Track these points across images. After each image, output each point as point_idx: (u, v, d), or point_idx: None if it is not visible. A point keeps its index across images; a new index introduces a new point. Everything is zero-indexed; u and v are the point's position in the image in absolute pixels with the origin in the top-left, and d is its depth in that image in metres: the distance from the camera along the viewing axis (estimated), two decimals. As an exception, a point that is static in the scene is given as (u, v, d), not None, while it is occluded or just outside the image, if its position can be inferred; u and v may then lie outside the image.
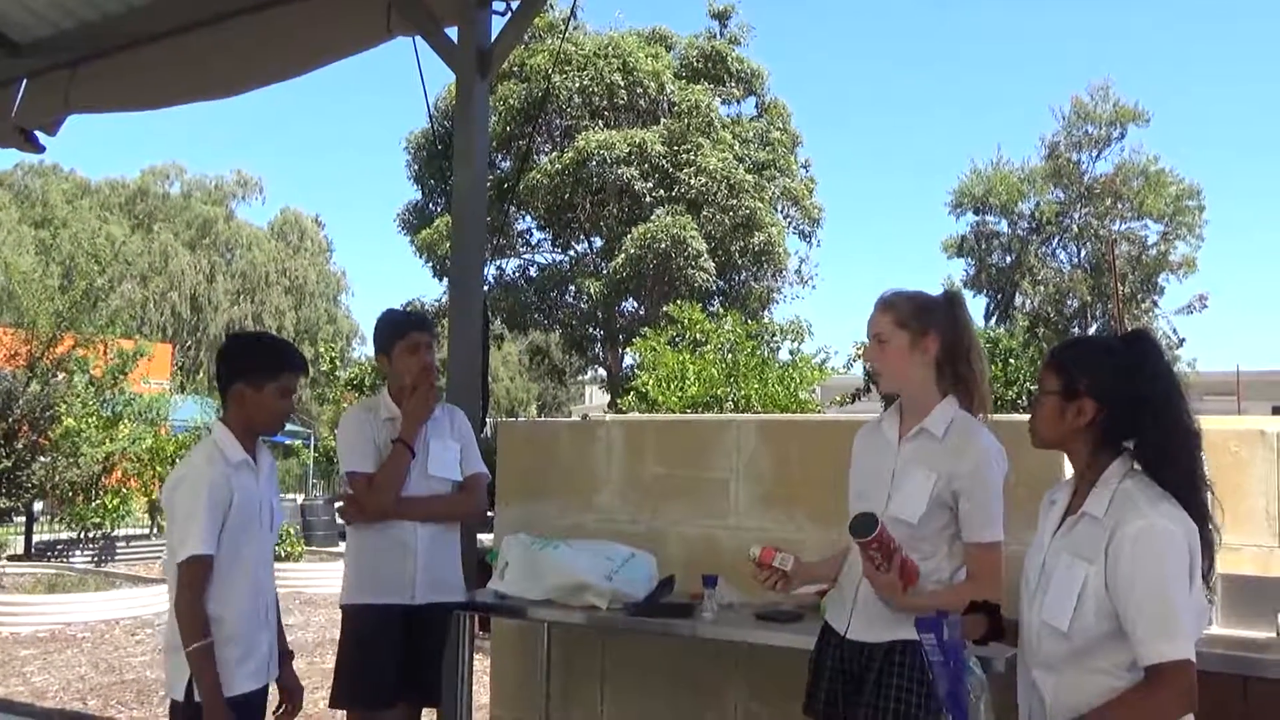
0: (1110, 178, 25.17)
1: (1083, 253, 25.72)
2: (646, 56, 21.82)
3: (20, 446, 13.77)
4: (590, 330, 23.18)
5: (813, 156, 25.28)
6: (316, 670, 6.84)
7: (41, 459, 14.13)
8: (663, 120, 21.83)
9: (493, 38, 4.65)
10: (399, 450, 3.53)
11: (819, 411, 13.19)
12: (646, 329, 15.50)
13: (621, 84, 21.41)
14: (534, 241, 24.23)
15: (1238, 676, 2.91)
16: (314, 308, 42.09)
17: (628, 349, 20.98)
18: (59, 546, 14.70)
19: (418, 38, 4.67)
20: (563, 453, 4.61)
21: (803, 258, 24.28)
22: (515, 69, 21.09)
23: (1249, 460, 3.45)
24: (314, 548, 15.12)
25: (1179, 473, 2.04)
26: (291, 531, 14.01)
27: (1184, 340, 24.39)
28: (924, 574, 2.48)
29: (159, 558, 13.93)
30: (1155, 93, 53.51)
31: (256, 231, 41.79)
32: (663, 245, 20.18)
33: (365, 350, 31.92)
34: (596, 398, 31.52)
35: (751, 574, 2.75)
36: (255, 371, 2.95)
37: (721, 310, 17.79)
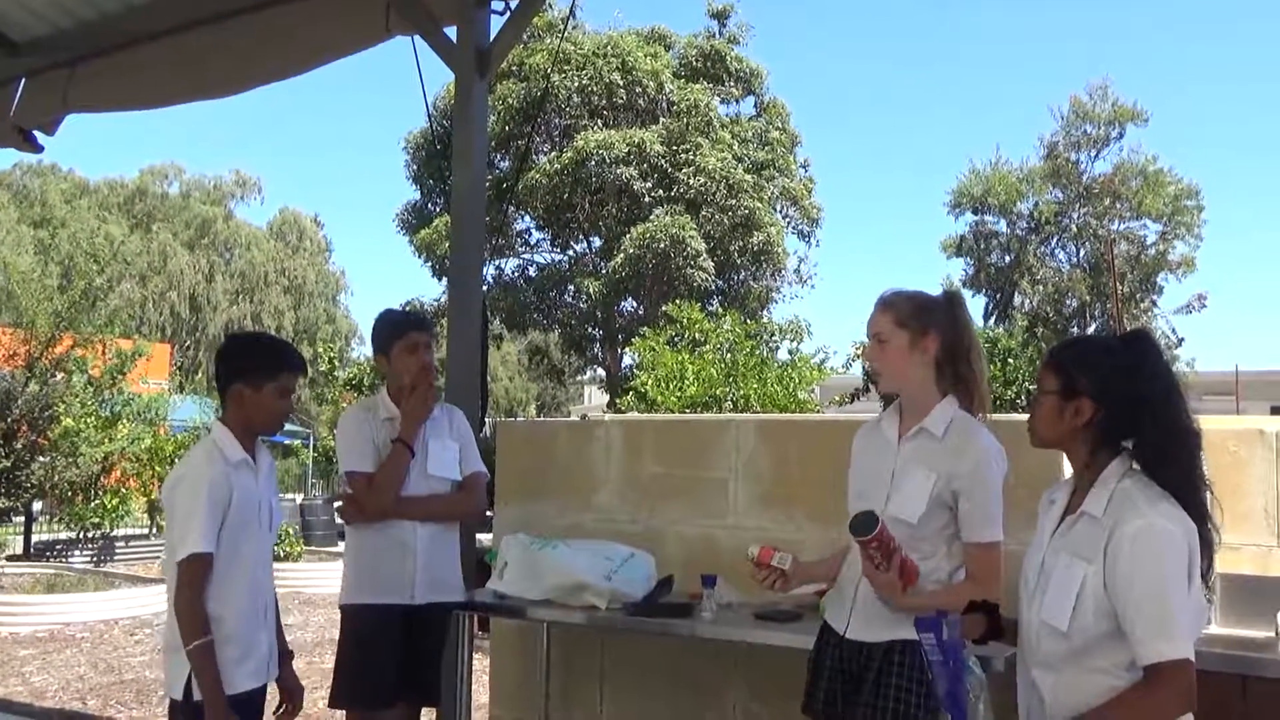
0: (1109, 177, 25.18)
1: (1081, 252, 25.73)
2: (645, 56, 21.82)
3: (19, 446, 13.77)
4: (589, 330, 23.19)
5: (812, 156, 25.30)
6: (316, 670, 6.84)
7: (40, 459, 14.13)
8: (662, 120, 21.83)
9: (491, 37, 4.65)
10: (398, 450, 3.53)
11: (818, 411, 13.19)
12: (645, 329, 15.50)
13: (620, 83, 21.41)
14: (533, 241, 24.25)
15: (1237, 676, 2.91)
16: (313, 307, 42.07)
17: (627, 349, 20.99)
18: (58, 546, 14.69)
19: (416, 37, 4.67)
20: (562, 453, 4.61)
21: (802, 257, 24.32)
22: (514, 68, 21.09)
23: (1248, 460, 3.45)
24: (313, 548, 15.12)
25: (1178, 472, 2.04)
26: (290, 531, 14.02)
27: (1183, 340, 24.44)
28: (923, 574, 2.48)
29: (158, 558, 13.91)
30: (1154, 92, 53.61)
31: (255, 231, 41.77)
32: (662, 245, 20.19)
33: (364, 350, 31.93)
34: (595, 398, 31.55)
35: (750, 573, 2.75)
36: (254, 371, 2.95)
37: (720, 310, 17.78)
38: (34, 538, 14.87)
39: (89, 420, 14.83)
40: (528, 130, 20.67)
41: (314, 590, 11.70)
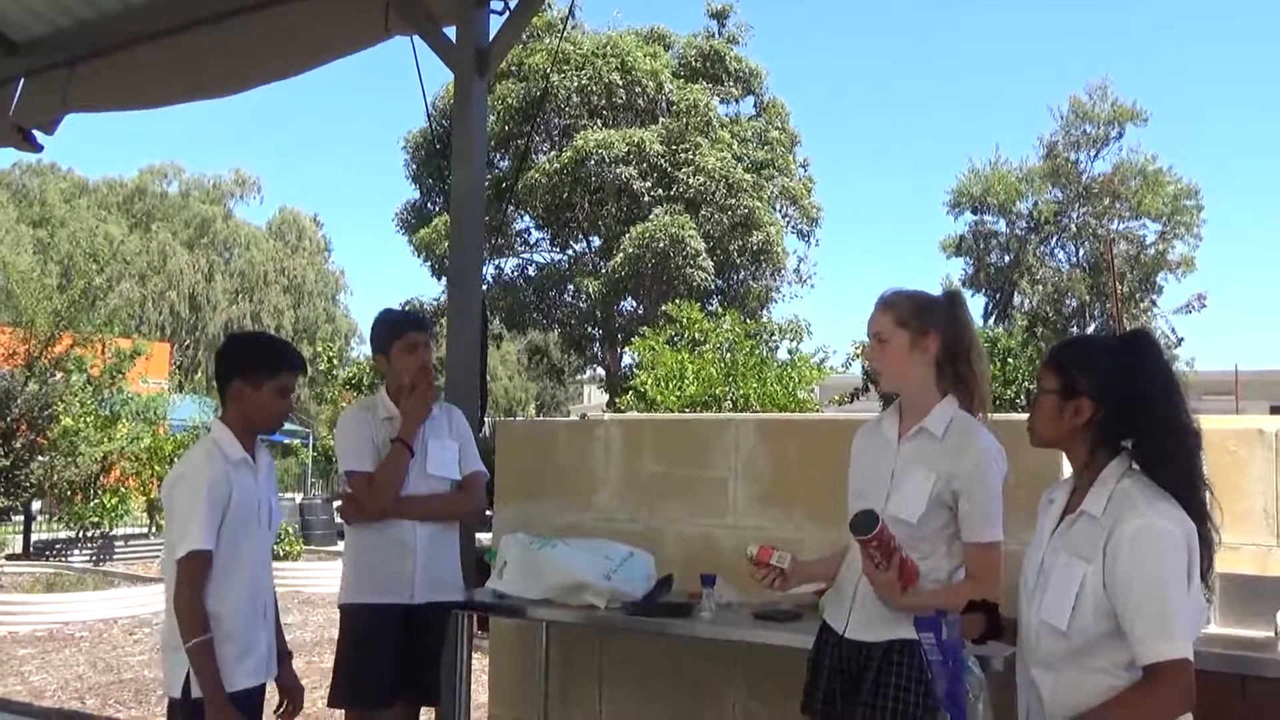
0: (1108, 177, 25.19)
1: (1081, 252, 25.74)
2: (645, 56, 21.82)
3: (18, 446, 13.77)
4: (589, 329, 23.19)
5: (811, 156, 25.32)
6: (315, 669, 6.84)
7: (40, 458, 14.14)
8: (661, 119, 21.83)
9: (491, 37, 4.65)
10: (398, 449, 3.53)
11: (817, 411, 13.19)
12: (645, 328, 15.49)
13: (620, 83, 21.41)
14: (532, 241, 24.25)
15: (1236, 676, 2.91)
16: (312, 307, 42.07)
17: (626, 348, 21.00)
18: (57, 546, 14.69)
19: (416, 37, 4.67)
20: (561, 452, 4.61)
21: (801, 257, 24.32)
22: (513, 68, 21.09)
23: (1247, 459, 3.45)
24: (312, 547, 15.12)
25: (1177, 472, 2.03)
26: (290, 531, 14.01)
27: (1182, 340, 24.45)
28: (923, 573, 2.48)
29: (157, 557, 13.90)
30: (1153, 92, 53.61)
31: (255, 231, 41.77)
32: (661, 244, 20.19)
33: (363, 349, 31.88)
34: (595, 397, 31.55)
35: (749, 572, 2.75)
36: (254, 370, 2.96)
37: (720, 309, 17.78)
38: (33, 537, 14.87)
39: (88, 419, 14.84)
40: (527, 130, 20.67)
41: (313, 590, 11.69)
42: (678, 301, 15.27)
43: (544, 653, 4.34)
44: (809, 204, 23.75)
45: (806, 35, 60.95)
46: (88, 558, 14.44)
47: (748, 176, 21.55)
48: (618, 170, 20.81)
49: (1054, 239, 26.13)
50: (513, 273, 23.95)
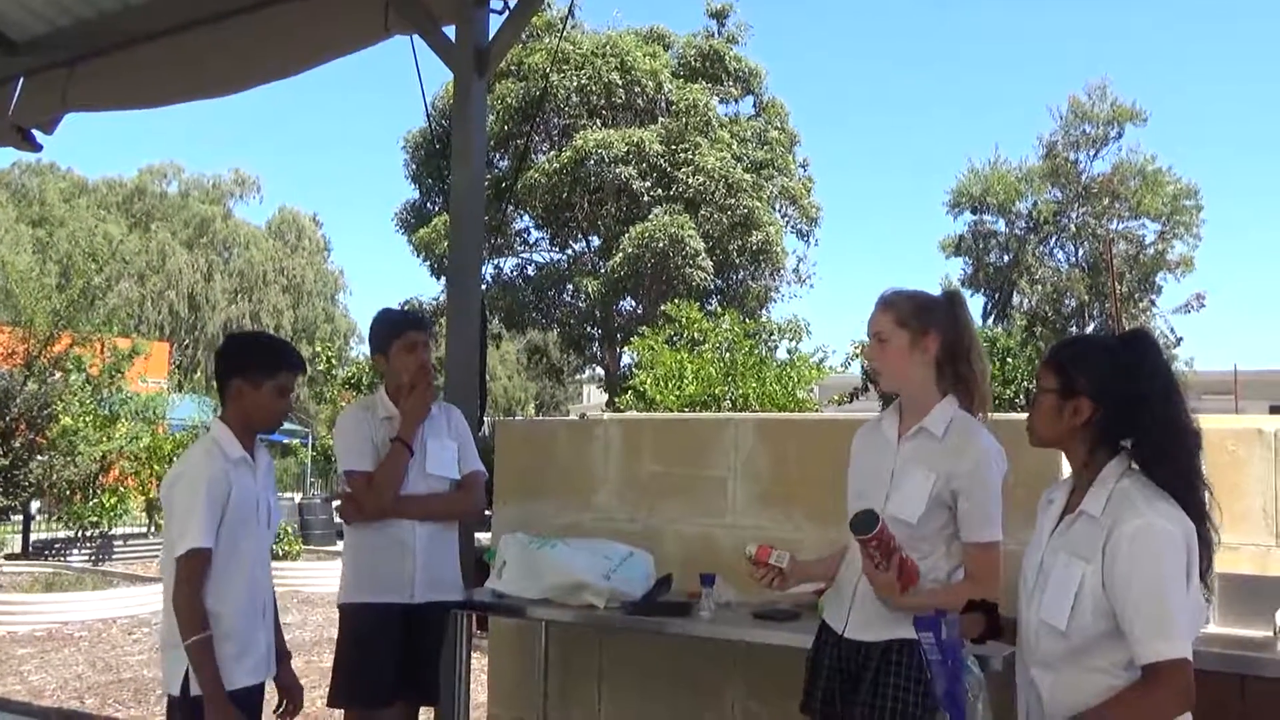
0: (1108, 177, 25.20)
1: (1080, 252, 25.75)
2: (644, 55, 21.82)
3: (17, 445, 13.77)
4: (588, 329, 23.19)
5: (810, 156, 25.32)
6: (314, 669, 6.84)
7: (39, 458, 14.13)
8: (660, 119, 21.83)
9: (490, 36, 4.64)
10: (397, 449, 3.53)
11: (817, 410, 13.19)
12: (644, 328, 15.49)
13: (619, 83, 21.40)
14: (532, 240, 24.25)
15: (1235, 675, 2.91)
16: (311, 306, 42.08)
17: (625, 348, 20.99)
18: (56, 545, 14.69)
19: (415, 36, 4.67)
20: (560, 452, 4.61)
21: (800, 257, 24.33)
22: (513, 68, 21.09)
23: (1246, 459, 3.45)
24: (312, 547, 15.11)
25: (1177, 472, 2.03)
26: (289, 530, 14.02)
27: (1181, 339, 24.44)
28: (922, 573, 2.48)
29: (156, 556, 13.90)
30: (1153, 92, 53.62)
31: (254, 230, 41.77)
32: (660, 244, 20.19)
33: (363, 349, 31.85)
34: (594, 397, 31.55)
35: (748, 572, 2.75)
36: (253, 369, 2.96)
37: (719, 309, 17.78)
38: (32, 536, 14.86)
39: (87, 419, 14.83)
40: (527, 129, 20.68)
41: (312, 589, 11.69)
42: (677, 301, 15.27)
43: (543, 652, 4.34)
44: (808, 204, 23.76)
45: (806, 35, 61.02)
46: (87, 557, 14.44)
47: (747, 176, 21.55)
48: (617, 170, 20.81)
49: (1053, 239, 26.14)
50: (512, 272, 23.95)
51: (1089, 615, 2.00)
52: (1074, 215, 25.70)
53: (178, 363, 34.53)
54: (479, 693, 4.80)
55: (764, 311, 22.49)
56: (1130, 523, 1.98)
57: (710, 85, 22.69)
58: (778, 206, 23.16)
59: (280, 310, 40.20)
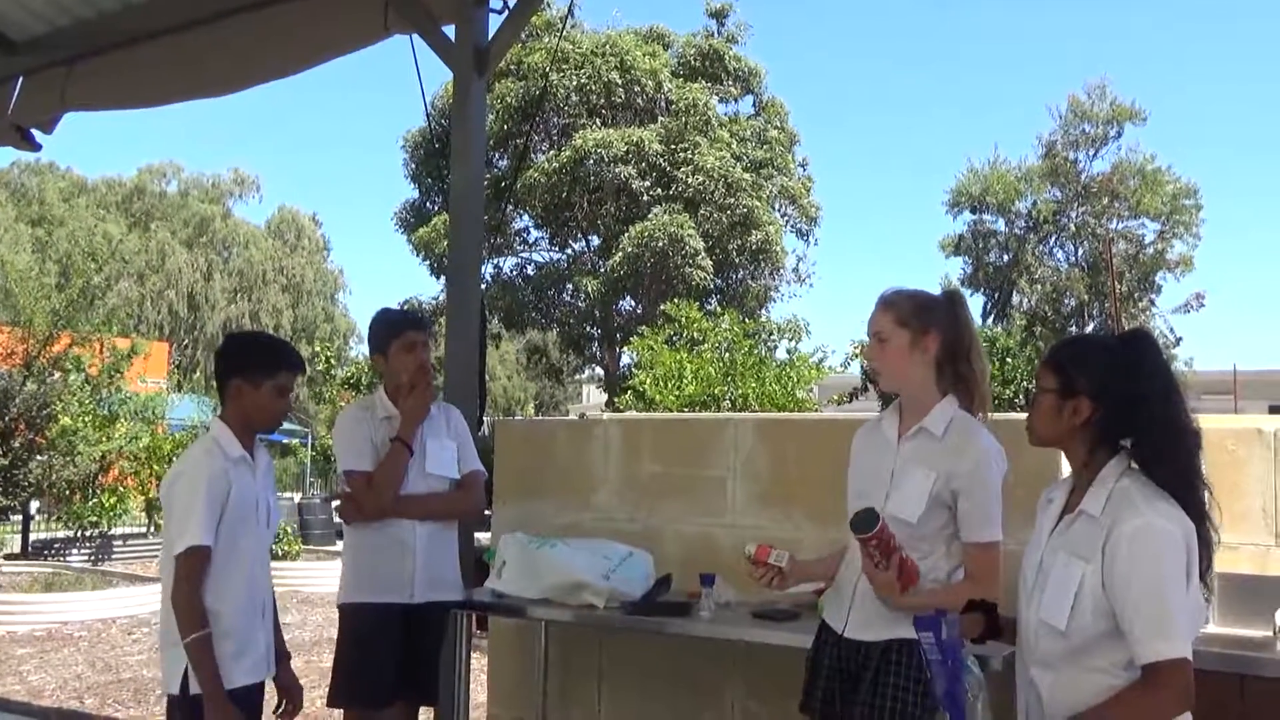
0: (1107, 176, 25.22)
1: (1080, 251, 25.77)
2: (644, 55, 21.83)
3: (17, 445, 13.76)
4: (587, 329, 23.20)
5: (810, 155, 25.35)
6: (314, 669, 6.84)
7: (38, 458, 14.13)
8: (660, 119, 21.84)
9: (490, 36, 4.64)
10: (397, 449, 3.52)
11: (816, 410, 13.19)
12: (644, 328, 15.50)
13: (619, 82, 21.41)
14: (531, 240, 24.26)
15: (1235, 675, 2.91)
16: (311, 306, 42.07)
17: (625, 348, 21.00)
18: (56, 545, 14.69)
19: (415, 36, 4.66)
20: (560, 452, 4.61)
21: (800, 256, 24.35)
22: (512, 67, 21.10)
23: (1246, 459, 3.45)
24: (311, 547, 15.11)
25: (1176, 471, 2.03)
26: (288, 530, 14.01)
27: (1181, 339, 24.48)
28: (922, 573, 2.48)
29: (156, 556, 13.90)
30: (1153, 92, 53.59)
31: (254, 230, 41.76)
32: (660, 244, 20.20)
33: (362, 349, 31.79)
34: (594, 396, 31.56)
35: (747, 571, 2.75)
36: (252, 369, 2.96)
37: (719, 309, 17.79)
38: (32, 536, 14.86)
39: (86, 419, 14.83)
40: (526, 129, 20.69)
41: (312, 589, 11.69)
42: (676, 301, 15.27)
43: (543, 652, 4.34)
44: (808, 203, 23.77)
45: (806, 35, 61.01)
46: (86, 557, 14.43)
47: (747, 176, 21.56)
48: (617, 169, 20.82)
49: (1053, 238, 26.16)
50: (512, 272, 23.96)
51: (1089, 615, 2.00)
52: (1073, 215, 25.73)
53: (177, 362, 34.52)
54: (479, 693, 4.79)
55: (763, 311, 22.52)
56: (1130, 522, 1.97)
57: (710, 85, 22.70)
58: (777, 206, 23.17)
59: (280, 310, 40.19)
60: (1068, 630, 2.03)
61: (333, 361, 19.19)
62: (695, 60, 23.09)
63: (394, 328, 3.67)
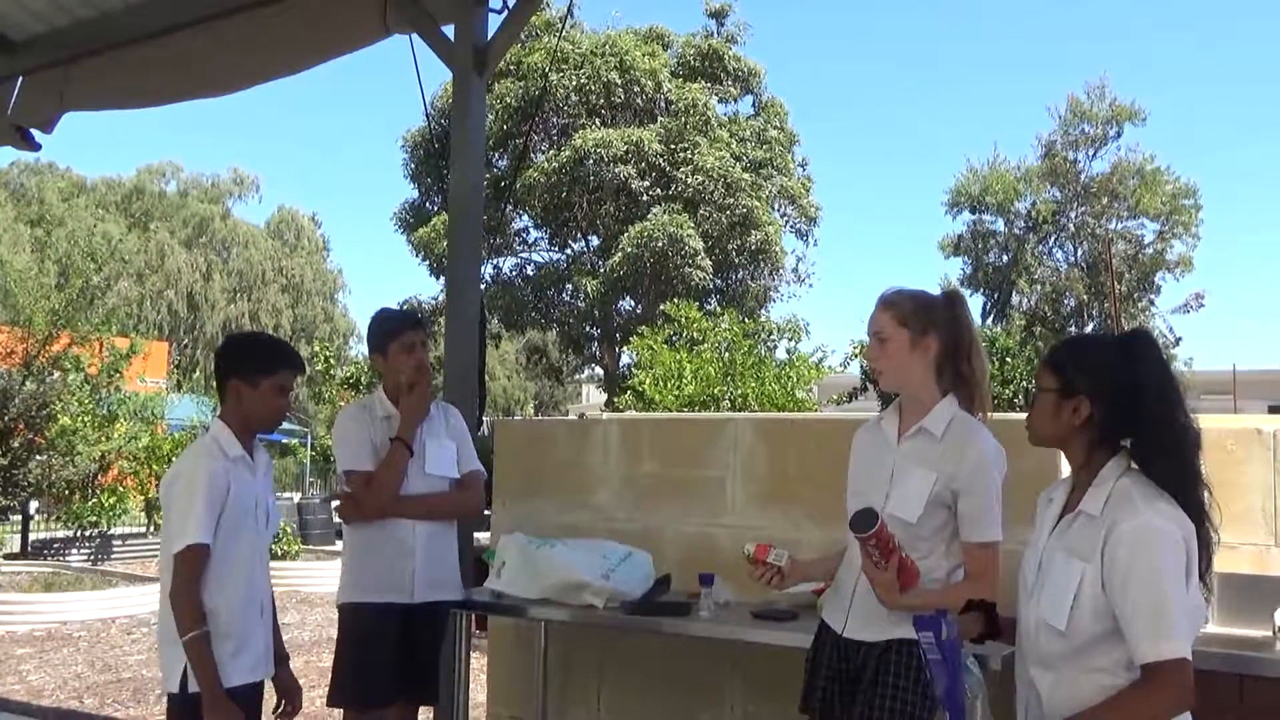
0: (1107, 177, 25.24)
1: (1079, 251, 25.79)
2: (643, 55, 21.83)
3: (16, 445, 13.76)
4: (587, 329, 23.20)
5: (810, 155, 25.34)
6: (313, 669, 6.83)
7: (38, 457, 14.13)
8: (660, 119, 21.85)
9: (489, 36, 4.64)
10: (397, 449, 3.52)
11: (816, 410, 13.19)
12: (643, 328, 15.50)
13: (618, 82, 21.42)
14: (531, 240, 24.28)
15: (1234, 675, 2.91)
16: (310, 306, 42.06)
17: (625, 348, 21.00)
18: (55, 545, 14.69)
19: (414, 35, 4.66)
20: (560, 451, 4.61)
21: (800, 256, 24.37)
22: (512, 67, 21.10)
23: (1245, 459, 3.45)
24: (310, 546, 15.10)
25: (1176, 471, 2.03)
26: (288, 530, 14.00)
27: (1180, 339, 24.52)
28: (921, 573, 2.48)
29: (155, 556, 13.89)
30: (1153, 92, 53.59)
31: (253, 230, 41.74)
32: (660, 244, 20.20)
33: (361, 349, 31.85)
34: (593, 396, 31.54)
35: (747, 571, 2.75)
36: (252, 368, 2.97)
37: (718, 309, 17.81)
38: (31, 536, 14.86)
39: (86, 419, 14.84)
40: (526, 129, 20.70)
41: (311, 589, 11.69)
42: (676, 301, 15.28)
43: (543, 652, 4.34)
44: (807, 203, 23.78)
45: (806, 35, 61.03)
46: (86, 557, 14.43)
47: (746, 176, 21.57)
48: (616, 169, 20.83)
49: (1052, 238, 26.18)
50: (511, 272, 23.97)
51: (1088, 615, 2.00)
52: (1073, 215, 25.75)
53: (176, 362, 34.52)
54: (479, 692, 4.79)
55: (763, 311, 22.53)
56: (1129, 522, 1.97)
57: (709, 85, 22.71)
58: (777, 206, 23.18)
59: (279, 310, 40.19)
60: (1067, 630, 2.03)
61: (332, 361, 19.18)
62: (695, 60, 23.09)
63: (393, 328, 3.67)
